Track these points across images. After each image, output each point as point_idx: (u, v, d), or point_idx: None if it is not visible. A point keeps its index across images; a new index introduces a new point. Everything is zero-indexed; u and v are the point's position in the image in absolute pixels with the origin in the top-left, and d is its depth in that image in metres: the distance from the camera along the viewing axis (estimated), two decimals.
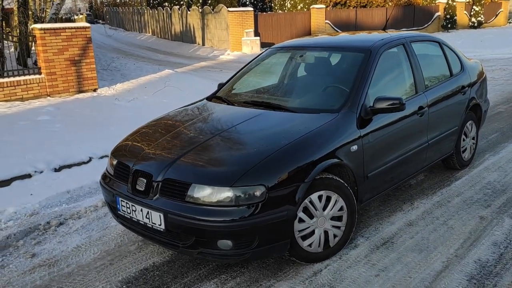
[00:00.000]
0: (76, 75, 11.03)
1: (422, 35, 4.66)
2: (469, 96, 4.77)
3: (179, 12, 25.83)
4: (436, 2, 28.26)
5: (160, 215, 2.87)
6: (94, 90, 11.23)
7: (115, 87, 11.74)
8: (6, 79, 9.92)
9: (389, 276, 3.02)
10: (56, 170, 5.23)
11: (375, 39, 4.04)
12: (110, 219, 3.91)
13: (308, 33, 22.93)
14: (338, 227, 3.25)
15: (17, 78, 10.07)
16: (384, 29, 5.04)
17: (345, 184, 3.24)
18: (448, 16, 27.38)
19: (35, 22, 15.64)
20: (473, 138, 5.01)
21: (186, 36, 25.33)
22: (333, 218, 3.20)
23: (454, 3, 27.18)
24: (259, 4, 29.30)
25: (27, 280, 3.07)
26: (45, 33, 10.28)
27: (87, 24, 11.11)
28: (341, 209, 3.22)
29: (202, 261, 3.22)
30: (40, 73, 10.41)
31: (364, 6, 26.99)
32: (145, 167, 3.07)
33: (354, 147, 3.31)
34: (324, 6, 23.52)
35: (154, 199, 2.93)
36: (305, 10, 24.51)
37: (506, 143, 5.77)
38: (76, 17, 28.08)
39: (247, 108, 3.74)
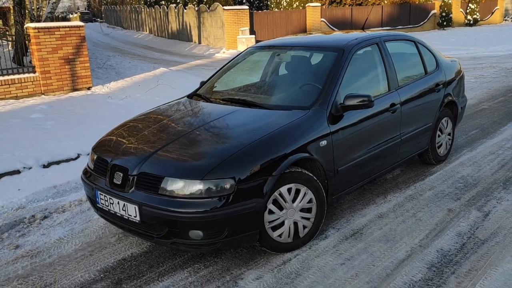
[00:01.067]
0: (70, 73, 11.17)
1: (397, 34, 4.80)
2: (444, 93, 4.92)
3: (176, 10, 25.95)
4: (432, 0, 28.38)
5: (135, 207, 3.03)
6: (88, 89, 11.37)
7: (109, 85, 11.89)
8: (0, 78, 10.07)
9: (353, 265, 3.18)
10: (44, 166, 5.38)
11: (349, 38, 4.19)
12: (93, 213, 4.06)
13: (304, 31, 23.06)
14: (308, 219, 3.41)
15: (12, 77, 10.20)
16: (363, 28, 5.18)
17: (315, 177, 3.39)
18: (443, 14, 27.50)
19: (32, 21, 15.77)
20: (449, 134, 5.16)
21: (183, 35, 25.46)
22: (302, 210, 3.36)
23: (450, 1, 27.30)
24: (256, 2, 29.42)
25: (10, 270, 3.23)
26: (39, 32, 10.41)
27: (81, 23, 11.25)
28: (310, 201, 3.38)
29: (178, 252, 3.38)
30: (34, 72, 10.54)
31: (360, 4, 27.11)
32: (121, 162, 3.22)
33: (324, 143, 3.46)
34: (319, 4, 23.64)
35: (130, 192, 3.08)
36: (301, 8, 24.63)
37: (485, 139, 5.92)
38: (71, 16, 28.19)
39: (223, 106, 3.89)
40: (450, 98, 5.05)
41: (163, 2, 29.61)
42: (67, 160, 5.56)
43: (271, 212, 3.18)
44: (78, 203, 4.27)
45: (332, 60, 3.93)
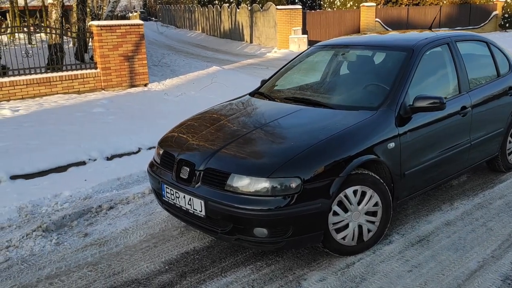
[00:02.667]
0: (129, 70, 11.52)
1: (469, 34, 4.60)
2: None
3: (229, 10, 26.22)
4: (494, 0, 27.14)
5: (201, 202, 3.05)
6: (145, 85, 11.68)
7: (164, 82, 12.17)
8: (64, 73, 10.52)
9: (422, 272, 3.06)
10: (108, 158, 5.56)
11: (418, 38, 4.05)
12: (156, 205, 4.15)
13: (357, 31, 22.67)
14: (373, 222, 3.32)
15: (75, 72, 10.65)
16: (430, 28, 5.01)
17: (381, 180, 3.30)
18: (506, 15, 26.22)
19: (93, 19, 16.42)
20: None
21: (235, 34, 25.68)
22: (367, 213, 3.28)
23: None
24: (309, 2, 29.23)
25: (80, 257, 3.35)
26: (101, 29, 10.79)
27: (141, 22, 11.58)
28: (376, 204, 3.29)
29: (240, 248, 3.39)
30: (96, 68, 10.95)
31: (417, 4, 26.33)
32: (188, 157, 3.26)
33: (391, 145, 3.36)
34: (374, 4, 23.16)
35: (196, 187, 3.11)
36: (355, 8, 24.23)
37: None
38: (130, 14, 29.14)
39: (287, 104, 3.86)
40: None
41: (216, 2, 30.00)
42: (129, 154, 5.72)
43: (335, 213, 3.12)
44: (141, 195, 4.37)
45: (401, 60, 3.80)
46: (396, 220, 3.83)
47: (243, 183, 2.94)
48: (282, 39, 20.38)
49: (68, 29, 20.29)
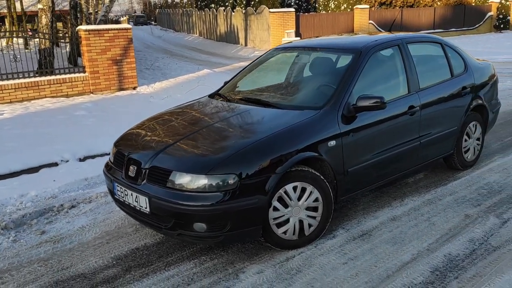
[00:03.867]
0: (117, 73, 11.69)
1: (423, 36, 4.74)
2: (472, 97, 4.79)
3: (224, 13, 26.43)
4: (489, 1, 27.22)
5: (145, 199, 3.20)
6: (134, 88, 11.86)
7: (153, 86, 12.34)
8: (53, 77, 10.71)
9: (356, 264, 3.20)
10: (80, 160, 5.72)
11: (368, 40, 4.19)
12: (115, 204, 4.30)
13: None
14: (314, 217, 3.45)
15: (63, 76, 10.84)
16: (390, 30, 5.14)
17: (322, 177, 3.43)
18: (501, 16, 26.31)
19: (88, 23, 16.65)
20: (478, 139, 5.01)
21: (230, 37, 25.87)
22: (308, 208, 3.41)
23: (508, 3, 26.07)
24: (304, 5, 29.38)
25: (33, 253, 3.50)
26: (89, 34, 10.98)
27: (129, 26, 11.76)
28: (316, 200, 3.42)
29: (188, 244, 3.53)
30: (84, 72, 11.14)
31: (411, 6, 26.46)
32: (136, 156, 3.41)
33: (332, 143, 3.50)
34: (368, 6, 23.31)
35: (141, 185, 3.26)
36: (349, 10, 24.38)
37: None
38: (122, 19, 29.43)
39: (239, 105, 4.01)
40: (479, 102, 4.91)
41: (212, 5, 30.21)
42: (102, 155, 5.87)
43: (276, 209, 3.26)
44: (104, 194, 4.52)
45: (349, 61, 3.95)
46: (345, 216, 3.96)
47: (184, 180, 3.09)
48: (275, 41, 20.52)
49: (66, 34, 20.53)
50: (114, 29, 11.54)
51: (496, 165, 5.06)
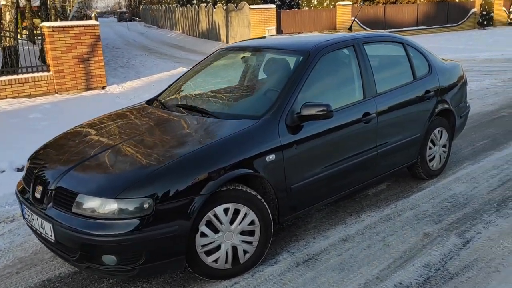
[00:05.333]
0: (84, 72, 11.19)
1: (381, 35, 4.34)
2: (437, 100, 4.42)
3: (206, 9, 25.92)
4: None
5: (50, 225, 2.77)
6: (103, 88, 11.37)
7: (124, 85, 11.85)
8: (14, 76, 10.17)
9: None
10: (18, 169, 5.25)
11: (319, 40, 3.78)
12: None
13: (334, 30, 22.45)
14: (250, 243, 3.04)
15: (26, 76, 10.30)
16: (350, 28, 4.75)
17: (259, 196, 3.02)
18: (484, 13, 26.15)
19: (61, 20, 16.07)
20: (444, 146, 4.65)
21: (212, 34, 25.38)
22: (243, 233, 3.00)
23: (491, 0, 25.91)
24: (287, 1, 28.96)
25: None
26: (53, 31, 10.46)
27: (96, 22, 11.26)
28: (252, 223, 3.01)
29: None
30: (48, 71, 10.61)
31: (394, 3, 26.16)
32: (44, 174, 2.97)
33: (271, 157, 3.09)
34: (350, 2, 22.96)
35: (47, 208, 2.82)
36: (331, 7, 24.01)
37: (492, 151, 5.34)
38: (92, 15, 28.77)
39: (174, 113, 3.57)
40: (445, 106, 4.54)
41: (194, 1, 29.65)
42: None
43: (204, 235, 2.85)
44: None
45: (296, 64, 3.54)
46: (293, 235, 3.57)
47: (91, 205, 2.65)
48: None
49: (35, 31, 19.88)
50: (80, 26, 11.04)
51: (465, 174, 4.70)
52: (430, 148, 4.47)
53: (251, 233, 3.04)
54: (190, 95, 4.03)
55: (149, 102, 4.06)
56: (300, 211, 3.41)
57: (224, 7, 23.42)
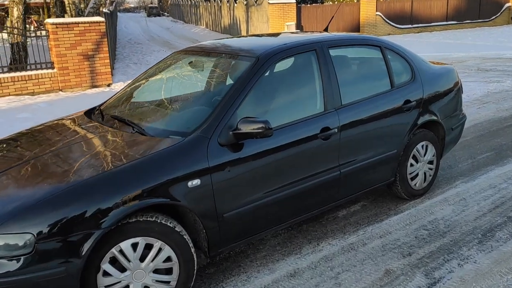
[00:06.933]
0: (89, 70, 11.03)
1: (353, 37, 3.81)
2: (419, 112, 3.87)
3: (228, 4, 25.56)
4: None
5: None
6: (108, 85, 11.18)
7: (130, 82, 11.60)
8: (17, 73, 10.09)
9: None
10: None
11: (273, 44, 3.30)
12: None
13: (357, 26, 21.67)
14: (167, 282, 2.62)
15: (29, 73, 10.21)
16: (326, 29, 4.24)
17: (176, 228, 2.60)
18: None
19: (79, 15, 16.03)
20: (430, 163, 4.09)
21: (233, 29, 25.01)
22: (158, 271, 2.59)
23: None
24: None
25: None
26: (57, 27, 10.33)
27: (102, 19, 11.06)
28: (168, 259, 2.60)
29: None
30: (52, 68, 10.49)
31: None
32: None
33: (195, 182, 2.65)
34: None
35: None
36: (355, 1, 23.18)
37: (494, 166, 4.73)
38: (105, 10, 28.85)
39: (104, 126, 3.17)
40: (432, 117, 3.98)
41: None
42: None
43: (107, 274, 2.45)
44: None
45: (241, 72, 3.09)
46: (237, 267, 3.13)
47: None
48: None
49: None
50: (85, 23, 10.87)
51: (454, 194, 4.13)
52: (411, 165, 3.92)
53: (168, 271, 2.62)
54: (130, 105, 3.61)
55: (88, 112, 3.68)
56: (236, 242, 2.96)
57: (245, 2, 22.98)
